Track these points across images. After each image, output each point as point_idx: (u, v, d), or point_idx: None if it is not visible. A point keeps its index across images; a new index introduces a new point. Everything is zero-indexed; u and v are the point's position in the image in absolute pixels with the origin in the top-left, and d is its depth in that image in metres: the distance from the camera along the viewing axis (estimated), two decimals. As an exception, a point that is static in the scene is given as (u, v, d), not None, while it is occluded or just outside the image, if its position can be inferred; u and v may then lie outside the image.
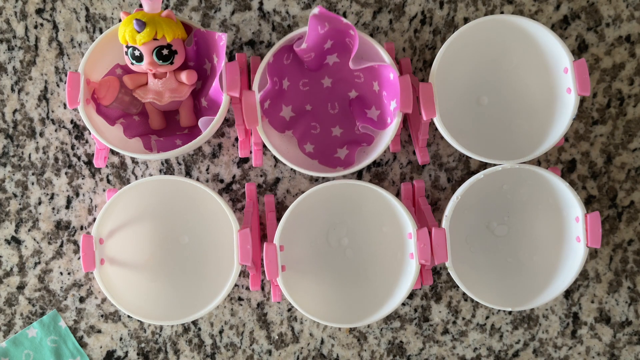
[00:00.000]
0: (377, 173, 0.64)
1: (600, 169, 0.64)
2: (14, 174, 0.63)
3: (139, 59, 0.53)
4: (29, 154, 0.63)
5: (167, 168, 0.63)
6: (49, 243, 0.63)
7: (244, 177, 0.63)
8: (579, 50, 0.63)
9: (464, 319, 0.64)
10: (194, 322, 0.64)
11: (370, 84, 0.60)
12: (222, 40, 0.53)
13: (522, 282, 0.60)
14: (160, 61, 0.53)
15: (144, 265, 0.60)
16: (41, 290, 0.63)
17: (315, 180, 0.64)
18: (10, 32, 0.63)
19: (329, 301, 0.59)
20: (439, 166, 0.64)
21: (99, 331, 0.63)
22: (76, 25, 0.63)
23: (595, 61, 0.63)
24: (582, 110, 0.63)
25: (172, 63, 0.54)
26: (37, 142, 0.63)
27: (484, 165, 0.64)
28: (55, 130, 0.63)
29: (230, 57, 0.63)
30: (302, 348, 0.64)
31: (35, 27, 0.63)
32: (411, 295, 0.64)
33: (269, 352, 0.64)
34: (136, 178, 0.63)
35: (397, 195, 0.63)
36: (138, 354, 0.63)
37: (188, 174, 0.63)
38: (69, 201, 0.63)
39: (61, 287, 0.63)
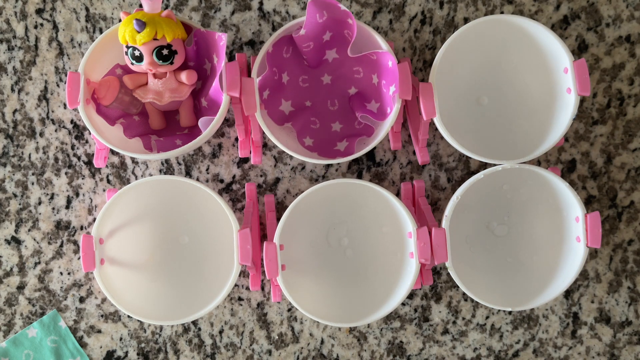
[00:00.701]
0: (377, 173, 0.64)
1: (600, 169, 0.64)
2: (14, 174, 0.63)
3: (139, 59, 0.53)
4: (29, 154, 0.63)
5: (167, 168, 0.63)
6: (49, 243, 0.63)
7: (244, 177, 0.63)
8: (579, 50, 0.63)
9: (464, 319, 0.64)
10: (194, 322, 0.64)
11: (369, 77, 0.60)
12: (222, 40, 0.53)
13: (522, 282, 0.60)
14: (160, 61, 0.53)
15: (144, 265, 0.60)
16: (41, 290, 0.63)
17: (315, 180, 0.64)
18: (10, 32, 0.63)
19: (329, 301, 0.59)
20: (439, 166, 0.64)
21: (99, 331, 0.63)
22: (76, 25, 0.63)
23: (595, 61, 0.63)
24: (582, 110, 0.63)
25: (172, 63, 0.54)
26: (37, 142, 0.63)
27: (484, 165, 0.64)
28: (55, 130, 0.63)
29: (230, 57, 0.63)
30: (302, 348, 0.64)
31: (35, 27, 0.63)
32: (411, 295, 0.64)
33: (269, 352, 0.64)
34: (136, 178, 0.63)
35: (397, 195, 0.63)
36: (138, 354, 0.63)
37: (188, 174, 0.63)
38: (69, 201, 0.63)
39: (61, 287, 0.63)
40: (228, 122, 0.63)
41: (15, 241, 0.63)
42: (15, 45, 0.63)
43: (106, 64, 0.57)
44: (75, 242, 0.63)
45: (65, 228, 0.63)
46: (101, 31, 0.63)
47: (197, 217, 0.61)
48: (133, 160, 0.63)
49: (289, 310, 0.64)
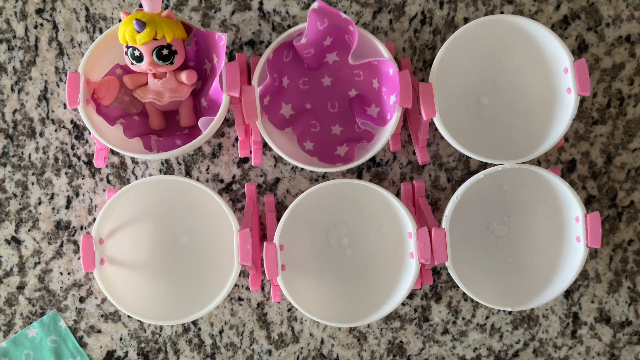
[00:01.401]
0: (377, 173, 0.64)
1: (600, 169, 0.64)
2: (14, 174, 0.63)
3: (139, 59, 0.53)
4: (29, 154, 0.63)
5: (167, 168, 0.63)
6: (49, 243, 0.63)
7: (244, 177, 0.63)
8: (579, 50, 0.63)
9: (464, 319, 0.64)
10: (194, 322, 0.64)
11: (369, 81, 0.60)
12: (222, 40, 0.53)
13: (522, 282, 0.60)
14: (160, 61, 0.53)
15: (144, 265, 0.60)
16: (41, 290, 0.63)
17: (315, 180, 0.64)
18: (10, 32, 0.63)
19: (329, 301, 0.59)
20: (439, 166, 0.64)
21: (99, 331, 0.63)
22: (76, 25, 0.63)
23: (595, 61, 0.63)
24: (582, 110, 0.63)
25: (172, 63, 0.54)
26: (37, 142, 0.63)
27: (484, 165, 0.64)
28: (55, 130, 0.63)
29: (230, 57, 0.63)
30: (302, 348, 0.64)
31: (35, 27, 0.63)
32: (411, 295, 0.64)
33: (269, 352, 0.64)
34: (136, 178, 0.63)
35: (397, 195, 0.63)
36: (138, 354, 0.63)
37: (188, 174, 0.63)
38: (69, 201, 0.63)
39: (61, 287, 0.63)
40: (228, 122, 0.63)
41: (15, 241, 0.63)
42: (15, 45, 0.63)
43: (106, 64, 0.57)
44: (75, 242, 0.63)
45: (65, 228, 0.63)
46: (101, 31, 0.63)
47: (197, 217, 0.61)
48: (133, 160, 0.63)
49: (289, 310, 0.64)
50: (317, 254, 0.61)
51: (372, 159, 0.64)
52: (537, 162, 0.63)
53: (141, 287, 0.59)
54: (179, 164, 0.63)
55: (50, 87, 0.63)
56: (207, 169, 0.63)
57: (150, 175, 0.63)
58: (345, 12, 0.63)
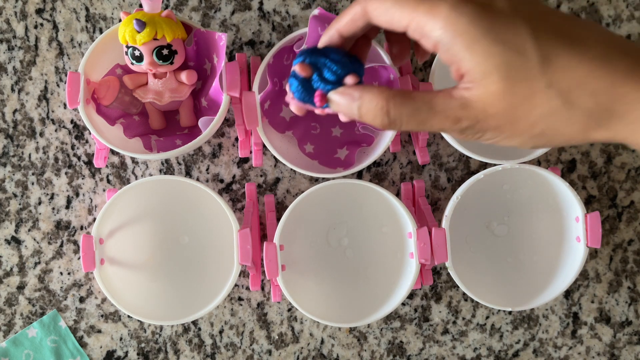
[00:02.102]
0: (377, 173, 0.64)
1: (600, 169, 0.64)
2: (14, 174, 0.63)
3: (139, 59, 0.53)
4: (29, 154, 0.63)
5: (167, 168, 0.63)
6: (49, 243, 0.63)
7: (244, 177, 0.63)
8: (579, 50, 0.63)
9: (464, 319, 0.64)
10: (194, 322, 0.64)
11: (370, 84, 0.60)
12: (222, 40, 0.53)
13: (522, 282, 0.60)
14: (160, 61, 0.53)
15: (144, 265, 0.60)
16: (41, 290, 0.63)
17: (315, 180, 0.64)
18: (10, 32, 0.63)
19: (329, 301, 0.59)
20: (439, 166, 0.64)
21: (99, 331, 0.63)
22: (76, 25, 0.63)
23: (595, 61, 0.63)
24: (582, 110, 0.63)
25: (172, 63, 0.54)
26: (37, 142, 0.63)
27: (484, 165, 0.64)
28: (55, 130, 0.63)
29: (230, 57, 0.63)
30: (302, 348, 0.64)
31: (35, 27, 0.63)
32: (411, 295, 0.64)
33: (269, 352, 0.64)
34: (136, 178, 0.63)
35: (397, 195, 0.63)
36: (138, 354, 0.63)
37: (188, 174, 0.63)
38: (69, 201, 0.63)
39: (61, 287, 0.63)
40: (228, 122, 0.63)
41: (15, 241, 0.63)
42: (15, 45, 0.63)
43: (106, 64, 0.57)
44: (75, 242, 0.63)
45: (65, 228, 0.63)
46: (101, 31, 0.63)
47: (197, 217, 0.61)
48: (133, 160, 0.63)
49: (289, 310, 0.64)
50: (317, 254, 0.61)
51: (372, 159, 0.64)
52: (537, 162, 0.63)
53: (141, 287, 0.59)
54: (179, 164, 0.63)
55: (50, 87, 0.63)
56: (207, 169, 0.63)
57: (150, 175, 0.63)
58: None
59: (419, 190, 0.62)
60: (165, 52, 0.53)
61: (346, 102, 0.38)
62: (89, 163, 0.63)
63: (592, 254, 0.64)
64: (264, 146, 0.63)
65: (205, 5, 0.63)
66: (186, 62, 0.57)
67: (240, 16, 0.63)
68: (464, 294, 0.64)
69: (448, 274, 0.63)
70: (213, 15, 0.63)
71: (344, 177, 0.62)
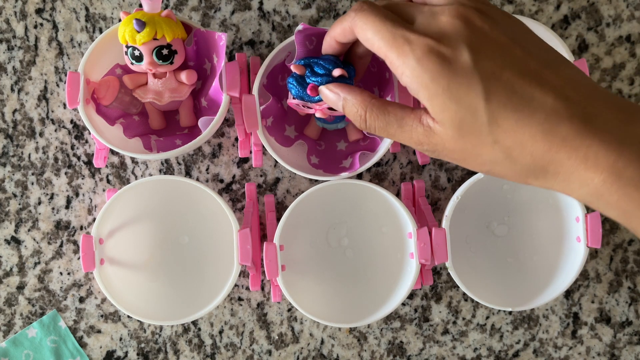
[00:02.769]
0: (377, 173, 0.63)
1: (601, 169, 0.63)
2: (13, 174, 0.63)
3: (139, 59, 0.53)
4: (29, 154, 0.63)
5: (167, 168, 0.63)
6: (49, 243, 0.63)
7: (244, 177, 0.63)
8: (579, 50, 0.63)
9: (464, 319, 0.64)
10: (194, 322, 0.63)
11: (371, 90, 0.59)
12: (222, 40, 0.53)
13: (522, 282, 0.60)
14: (160, 61, 0.53)
15: (144, 265, 0.60)
16: (41, 290, 0.63)
17: (315, 181, 0.64)
18: (10, 32, 0.63)
19: (329, 301, 0.59)
20: (439, 166, 0.64)
21: (99, 331, 0.63)
22: (76, 25, 0.63)
23: (595, 61, 0.63)
24: (582, 110, 0.63)
25: (172, 63, 0.54)
26: (37, 142, 0.63)
27: (484, 165, 0.64)
28: (55, 130, 0.63)
29: (230, 57, 0.63)
30: (302, 348, 0.64)
31: (35, 27, 0.63)
32: (411, 295, 0.64)
33: (269, 352, 0.64)
34: (136, 178, 0.63)
35: (397, 195, 0.63)
36: (138, 354, 0.63)
37: (188, 174, 0.63)
38: (68, 201, 0.63)
39: (61, 287, 0.63)
40: (228, 122, 0.63)
41: (15, 241, 0.63)
42: (15, 45, 0.63)
43: (106, 63, 0.57)
44: (75, 242, 0.63)
45: (65, 228, 0.63)
46: (101, 31, 0.63)
47: (197, 217, 0.61)
48: (133, 160, 0.63)
49: (289, 310, 0.64)
50: (317, 254, 0.61)
51: (372, 159, 0.64)
52: (538, 162, 0.63)
53: (141, 287, 0.59)
54: (179, 164, 0.63)
55: (50, 87, 0.63)
56: (207, 169, 0.63)
57: (150, 175, 0.63)
58: (345, 13, 0.62)
59: (419, 190, 0.62)
60: (165, 52, 0.53)
61: (334, 99, 0.44)
62: (89, 163, 0.63)
63: (593, 254, 0.64)
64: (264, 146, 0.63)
65: (205, 5, 0.63)
66: (186, 62, 0.57)
67: (240, 16, 0.63)
68: (464, 294, 0.64)
69: (448, 274, 0.63)
70: (213, 15, 0.63)
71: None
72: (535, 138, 0.34)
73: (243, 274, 0.63)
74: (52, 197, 0.63)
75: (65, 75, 0.63)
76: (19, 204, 0.63)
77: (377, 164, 0.63)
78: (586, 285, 0.64)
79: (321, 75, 0.46)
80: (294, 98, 0.49)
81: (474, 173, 0.62)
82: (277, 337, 0.64)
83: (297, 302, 0.56)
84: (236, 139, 0.63)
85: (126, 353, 0.63)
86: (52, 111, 0.63)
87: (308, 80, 0.47)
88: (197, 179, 0.63)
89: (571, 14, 0.63)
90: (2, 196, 0.63)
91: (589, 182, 0.33)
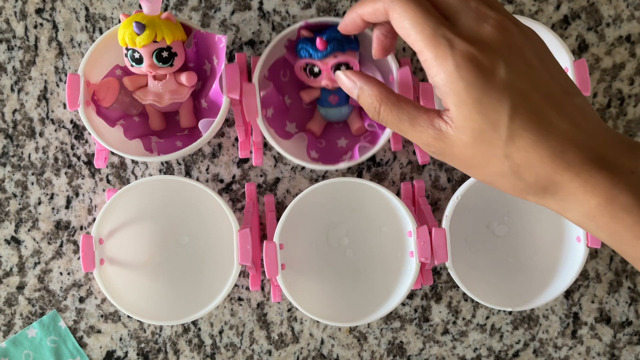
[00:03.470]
0: (377, 173, 0.63)
1: (601, 169, 0.63)
2: (13, 174, 0.63)
3: (139, 61, 0.53)
4: (29, 154, 0.63)
5: (167, 168, 0.63)
6: (49, 243, 0.63)
7: (244, 177, 0.63)
8: (579, 50, 0.63)
9: (464, 319, 0.64)
10: (194, 322, 0.64)
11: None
12: (222, 42, 0.53)
13: (522, 282, 0.60)
14: (160, 63, 0.53)
15: (144, 265, 0.60)
16: (41, 291, 0.63)
17: (315, 181, 0.64)
18: (10, 32, 0.63)
19: (329, 301, 0.59)
20: (439, 166, 0.64)
21: (99, 331, 0.63)
22: (76, 25, 0.63)
23: (595, 61, 0.63)
24: (582, 110, 0.63)
25: (172, 65, 0.54)
26: (37, 142, 0.63)
27: (484, 165, 0.64)
28: (55, 130, 0.63)
29: (230, 57, 0.63)
30: (302, 348, 0.64)
31: (35, 27, 0.63)
32: (411, 296, 0.64)
33: (269, 352, 0.64)
34: (136, 178, 0.63)
35: (397, 195, 0.63)
36: (138, 354, 0.63)
37: (188, 174, 0.63)
38: (68, 201, 0.63)
39: (61, 287, 0.63)
40: (228, 122, 0.63)
41: (15, 241, 0.63)
42: (15, 45, 0.63)
43: (106, 65, 0.57)
44: (75, 242, 0.63)
45: (65, 228, 0.63)
46: (101, 31, 0.63)
47: (197, 217, 0.61)
48: (133, 160, 0.63)
49: (289, 310, 0.64)
50: (317, 254, 0.61)
51: (372, 159, 0.64)
52: (537, 162, 0.63)
53: (141, 287, 0.59)
54: (179, 164, 0.63)
55: (50, 87, 0.63)
56: (207, 169, 0.63)
57: (150, 175, 0.63)
58: (345, 13, 0.62)
59: (419, 190, 0.62)
60: (165, 54, 0.53)
61: (350, 86, 0.44)
62: (89, 163, 0.63)
63: (593, 254, 0.64)
64: (264, 145, 0.63)
65: (205, 5, 0.63)
66: (186, 64, 0.57)
67: (240, 16, 0.63)
68: (464, 294, 0.64)
69: (448, 274, 0.63)
70: (213, 15, 0.63)
71: (344, 176, 0.62)
72: (544, 160, 0.36)
73: (243, 274, 0.63)
74: (52, 197, 0.63)
75: (65, 75, 0.63)
76: (19, 204, 0.63)
77: (377, 164, 0.63)
78: (586, 285, 0.64)
79: (327, 32, 0.50)
80: (301, 59, 0.51)
81: (474, 173, 0.62)
82: (277, 337, 0.64)
83: (297, 301, 0.56)
84: (236, 139, 0.63)
85: (126, 353, 0.63)
86: (52, 111, 0.63)
87: (316, 35, 0.51)
88: (197, 179, 0.63)
89: (571, 14, 0.63)
90: (2, 196, 0.63)
91: (584, 204, 0.36)
